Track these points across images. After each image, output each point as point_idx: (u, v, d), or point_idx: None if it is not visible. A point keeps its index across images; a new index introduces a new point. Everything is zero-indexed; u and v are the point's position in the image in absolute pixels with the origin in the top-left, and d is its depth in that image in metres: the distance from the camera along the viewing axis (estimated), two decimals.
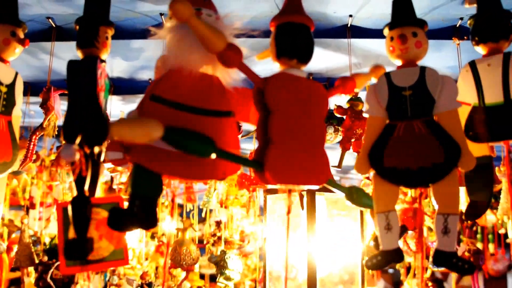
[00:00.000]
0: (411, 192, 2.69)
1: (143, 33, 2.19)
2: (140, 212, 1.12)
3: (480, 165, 1.26)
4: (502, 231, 3.86)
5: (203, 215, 3.05)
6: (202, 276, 3.81)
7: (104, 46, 1.44)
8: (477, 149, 1.35)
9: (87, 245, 1.33)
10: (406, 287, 2.68)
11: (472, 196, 1.38)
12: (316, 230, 1.98)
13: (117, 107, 3.09)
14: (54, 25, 2.20)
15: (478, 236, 4.45)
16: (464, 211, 1.49)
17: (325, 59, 2.46)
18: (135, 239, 3.18)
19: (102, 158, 1.36)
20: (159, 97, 1.16)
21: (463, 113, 1.35)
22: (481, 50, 1.42)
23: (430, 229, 3.00)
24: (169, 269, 2.48)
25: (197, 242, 2.99)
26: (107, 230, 1.41)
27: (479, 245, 3.43)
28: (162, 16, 2.09)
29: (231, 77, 1.26)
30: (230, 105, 1.26)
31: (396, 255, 1.28)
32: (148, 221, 1.15)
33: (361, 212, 2.38)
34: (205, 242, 2.87)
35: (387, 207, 1.25)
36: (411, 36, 1.27)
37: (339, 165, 2.13)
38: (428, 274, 2.75)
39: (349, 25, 2.14)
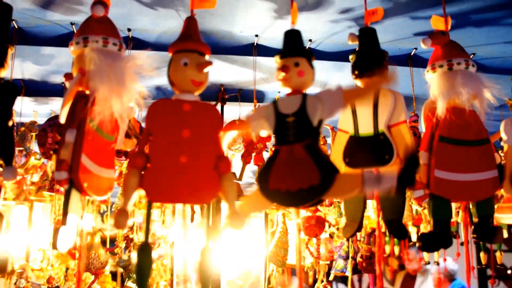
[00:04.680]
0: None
1: (54, 41, 2.20)
2: None
3: None
4: None
5: None
6: (114, 277, 3.80)
7: (7, 64, 1.41)
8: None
9: None
10: None
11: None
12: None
13: (30, 108, 3.05)
14: None
15: (387, 239, 4.75)
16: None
17: (234, 73, 2.57)
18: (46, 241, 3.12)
19: None
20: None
21: (343, 141, 1.48)
22: (359, 83, 1.54)
23: (331, 236, 3.21)
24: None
25: (108, 244, 3.02)
26: None
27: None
28: (73, 26, 2.10)
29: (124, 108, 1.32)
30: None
31: None
32: None
33: (266, 217, 2.51)
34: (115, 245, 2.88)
35: None
36: (293, 66, 1.31)
37: (240, 178, 2.24)
38: (331, 277, 2.94)
39: (255, 44, 2.26)
